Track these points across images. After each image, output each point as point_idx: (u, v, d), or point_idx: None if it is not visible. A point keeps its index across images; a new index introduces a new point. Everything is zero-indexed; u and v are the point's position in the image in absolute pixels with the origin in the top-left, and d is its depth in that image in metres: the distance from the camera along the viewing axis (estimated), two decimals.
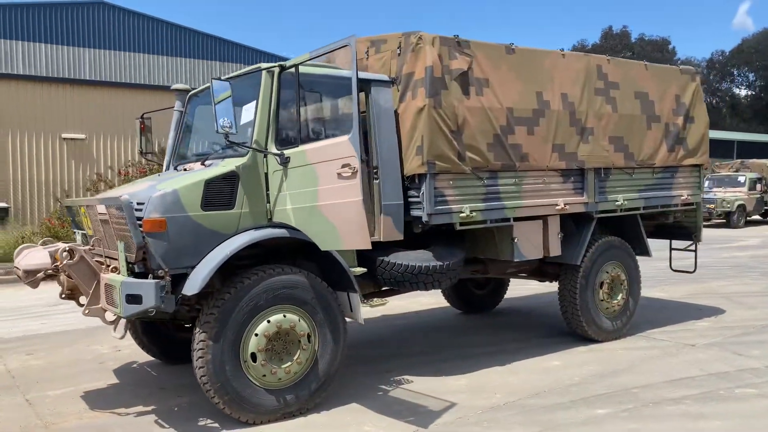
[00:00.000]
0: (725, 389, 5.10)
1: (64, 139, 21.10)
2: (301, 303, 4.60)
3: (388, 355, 6.32)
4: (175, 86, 6.11)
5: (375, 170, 5.19)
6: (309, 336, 4.65)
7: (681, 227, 7.76)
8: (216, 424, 4.52)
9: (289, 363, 4.56)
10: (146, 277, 4.21)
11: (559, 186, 6.09)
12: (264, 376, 4.47)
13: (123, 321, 4.47)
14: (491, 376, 5.58)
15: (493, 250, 6.03)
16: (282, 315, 4.52)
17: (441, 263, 5.37)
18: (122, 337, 4.53)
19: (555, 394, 5.06)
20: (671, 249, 8.11)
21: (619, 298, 6.77)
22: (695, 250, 7.87)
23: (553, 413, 4.65)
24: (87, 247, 4.71)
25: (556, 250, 6.18)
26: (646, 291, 9.52)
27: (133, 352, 6.34)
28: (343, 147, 4.13)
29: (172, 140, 6.02)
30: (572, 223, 6.51)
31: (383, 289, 5.73)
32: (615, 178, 6.54)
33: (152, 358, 6.14)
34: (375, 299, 5.28)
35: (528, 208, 5.86)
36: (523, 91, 5.80)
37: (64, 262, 4.34)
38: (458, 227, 5.43)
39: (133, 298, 4.07)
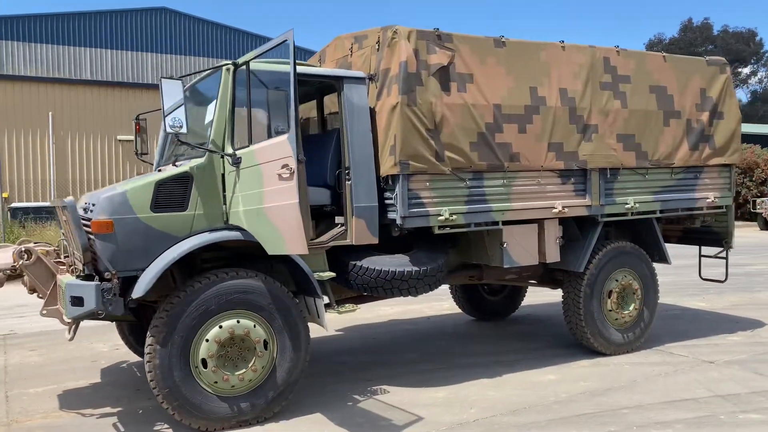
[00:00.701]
0: (727, 413, 4.59)
1: (119, 141, 22.00)
2: (257, 309, 4.45)
3: (375, 363, 6.10)
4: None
5: (347, 171, 4.98)
6: (266, 343, 4.50)
7: (711, 233, 7.14)
8: (170, 430, 4.44)
9: (244, 370, 4.42)
10: (98, 280, 4.17)
11: (556, 188, 5.68)
12: (216, 382, 4.35)
13: (74, 323, 4.45)
14: (473, 389, 5.26)
15: (484, 255, 5.70)
16: (235, 320, 4.39)
17: (416, 269, 5.10)
18: (71, 339, 4.52)
19: (534, 412, 4.70)
20: (700, 256, 7.49)
21: (631, 308, 6.27)
22: (726, 258, 7.22)
23: None
24: (53, 248, 4.74)
25: (554, 256, 5.78)
26: (685, 300, 8.94)
27: (129, 351, 6.39)
28: (282, 147, 3.96)
29: (162, 140, 6.00)
30: (576, 228, 6.08)
31: (365, 294, 5.51)
32: (625, 179, 6.05)
33: (141, 359, 6.17)
34: (346, 305, 5.06)
35: (519, 211, 5.50)
36: (515, 87, 5.44)
37: (20, 262, 4.37)
38: (437, 231, 5.15)
39: (77, 300, 4.04)
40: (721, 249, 7.17)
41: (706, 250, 7.36)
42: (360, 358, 6.31)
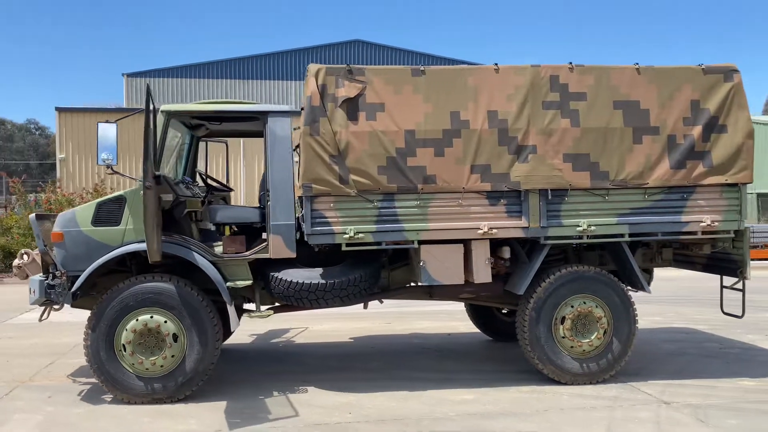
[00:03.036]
0: None
1: None
2: (169, 307, 5.41)
3: (333, 368, 6.63)
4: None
5: (267, 193, 5.72)
6: (176, 336, 5.43)
7: (731, 261, 6.32)
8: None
9: (156, 357, 5.40)
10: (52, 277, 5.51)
11: (483, 209, 5.70)
12: (133, 364, 5.40)
13: (45, 309, 5.82)
14: (379, 399, 5.56)
15: (413, 273, 5.95)
16: (149, 316, 5.40)
17: (324, 282, 5.62)
18: (40, 321, 5.88)
19: (398, 424, 4.92)
20: (722, 287, 6.62)
21: (593, 337, 5.92)
22: (743, 290, 6.30)
23: None
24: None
25: (483, 276, 5.78)
26: (745, 336, 7.82)
27: None
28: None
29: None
30: (521, 249, 5.98)
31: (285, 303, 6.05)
32: (576, 200, 5.79)
33: None
34: (261, 311, 5.77)
35: (438, 231, 5.66)
36: (432, 113, 5.64)
37: (21, 261, 5.90)
38: (344, 248, 5.60)
39: (31, 291, 5.41)
40: (737, 280, 6.30)
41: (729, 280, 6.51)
42: (330, 363, 6.90)
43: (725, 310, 6.65)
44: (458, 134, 5.66)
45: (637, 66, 5.95)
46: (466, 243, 5.78)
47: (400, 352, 7.44)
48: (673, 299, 11.41)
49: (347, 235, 5.55)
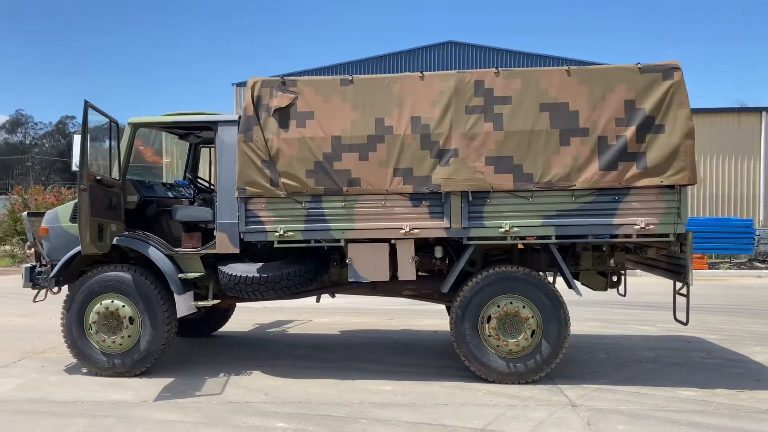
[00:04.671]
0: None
1: None
2: (126, 294, 6.24)
3: (300, 357, 7.15)
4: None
5: (216, 194, 6.39)
6: (131, 319, 6.24)
7: (681, 265, 6.09)
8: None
9: (116, 336, 6.25)
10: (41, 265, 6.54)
11: (406, 210, 5.97)
12: (98, 342, 6.28)
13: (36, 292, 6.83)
14: (305, 385, 5.99)
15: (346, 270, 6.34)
16: (110, 300, 6.25)
17: (258, 276, 6.17)
18: (34, 301, 6.88)
19: (299, 405, 5.36)
20: (675, 293, 6.35)
21: (520, 337, 5.99)
22: (687, 296, 6.02)
23: (213, 405, 5.14)
24: None
25: (407, 274, 6.07)
26: (750, 347, 7.39)
27: None
28: None
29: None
30: (449, 250, 6.17)
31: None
32: (498, 202, 5.89)
33: None
34: (207, 301, 6.43)
35: (362, 231, 6.01)
36: (359, 119, 6.00)
37: (27, 252, 7.00)
38: (276, 245, 6.12)
39: (23, 277, 6.47)
40: (681, 285, 6.05)
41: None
42: (297, 352, 7.44)
43: (677, 318, 6.39)
44: (382, 140, 5.98)
45: (567, 68, 5.95)
46: (392, 242, 6.09)
47: (369, 345, 7.80)
48: (715, 308, 10.78)
49: (278, 234, 6.06)
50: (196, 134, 7.63)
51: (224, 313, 8.35)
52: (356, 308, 10.50)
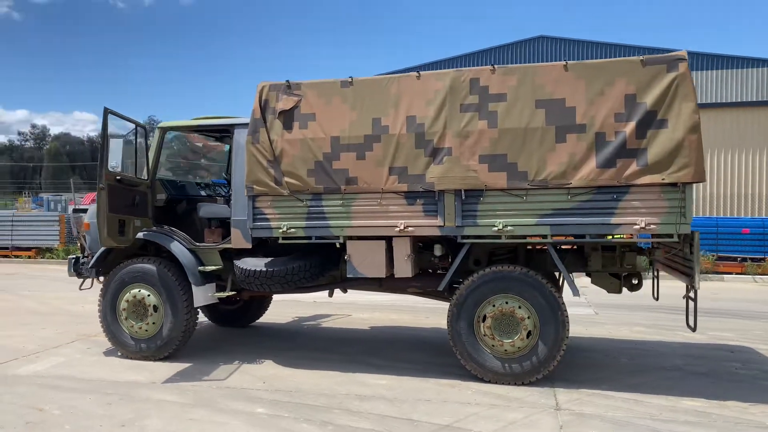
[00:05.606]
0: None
1: None
2: (151, 284, 6.79)
3: (319, 349, 7.44)
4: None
5: (231, 193, 6.81)
6: (156, 307, 6.79)
7: (690, 267, 5.75)
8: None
9: (142, 323, 6.82)
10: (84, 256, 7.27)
11: (401, 208, 6.06)
12: (128, 327, 6.89)
13: (81, 282, 7.54)
14: (307, 376, 6.26)
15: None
16: (138, 290, 6.83)
17: (265, 270, 6.50)
18: (80, 289, 7.56)
19: (289, 394, 5.64)
20: (687, 297, 5.97)
21: (515, 338, 5.91)
22: (695, 300, 5.65)
23: (188, 387, 5.49)
24: None
25: (403, 271, 6.16)
26: None
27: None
28: None
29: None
30: (446, 248, 6.18)
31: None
32: (492, 200, 5.84)
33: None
34: (224, 292, 6.83)
35: (360, 228, 6.18)
36: (357, 120, 6.17)
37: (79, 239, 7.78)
38: (281, 241, 6.42)
39: (68, 267, 7.22)
40: (688, 289, 5.69)
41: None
42: (318, 344, 7.72)
43: (690, 324, 6.01)
44: (378, 139, 6.12)
45: (565, 63, 5.79)
46: (388, 240, 6.21)
47: (389, 342, 7.92)
48: None
49: (282, 230, 6.37)
50: (229, 136, 8.11)
51: (260, 305, 8.80)
52: (397, 306, 10.64)
